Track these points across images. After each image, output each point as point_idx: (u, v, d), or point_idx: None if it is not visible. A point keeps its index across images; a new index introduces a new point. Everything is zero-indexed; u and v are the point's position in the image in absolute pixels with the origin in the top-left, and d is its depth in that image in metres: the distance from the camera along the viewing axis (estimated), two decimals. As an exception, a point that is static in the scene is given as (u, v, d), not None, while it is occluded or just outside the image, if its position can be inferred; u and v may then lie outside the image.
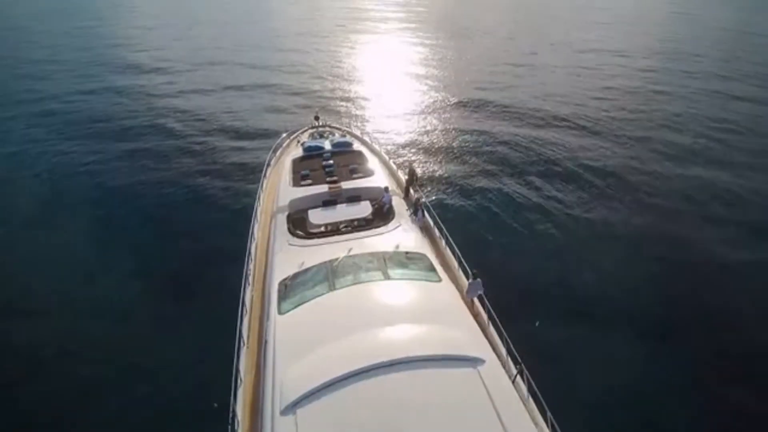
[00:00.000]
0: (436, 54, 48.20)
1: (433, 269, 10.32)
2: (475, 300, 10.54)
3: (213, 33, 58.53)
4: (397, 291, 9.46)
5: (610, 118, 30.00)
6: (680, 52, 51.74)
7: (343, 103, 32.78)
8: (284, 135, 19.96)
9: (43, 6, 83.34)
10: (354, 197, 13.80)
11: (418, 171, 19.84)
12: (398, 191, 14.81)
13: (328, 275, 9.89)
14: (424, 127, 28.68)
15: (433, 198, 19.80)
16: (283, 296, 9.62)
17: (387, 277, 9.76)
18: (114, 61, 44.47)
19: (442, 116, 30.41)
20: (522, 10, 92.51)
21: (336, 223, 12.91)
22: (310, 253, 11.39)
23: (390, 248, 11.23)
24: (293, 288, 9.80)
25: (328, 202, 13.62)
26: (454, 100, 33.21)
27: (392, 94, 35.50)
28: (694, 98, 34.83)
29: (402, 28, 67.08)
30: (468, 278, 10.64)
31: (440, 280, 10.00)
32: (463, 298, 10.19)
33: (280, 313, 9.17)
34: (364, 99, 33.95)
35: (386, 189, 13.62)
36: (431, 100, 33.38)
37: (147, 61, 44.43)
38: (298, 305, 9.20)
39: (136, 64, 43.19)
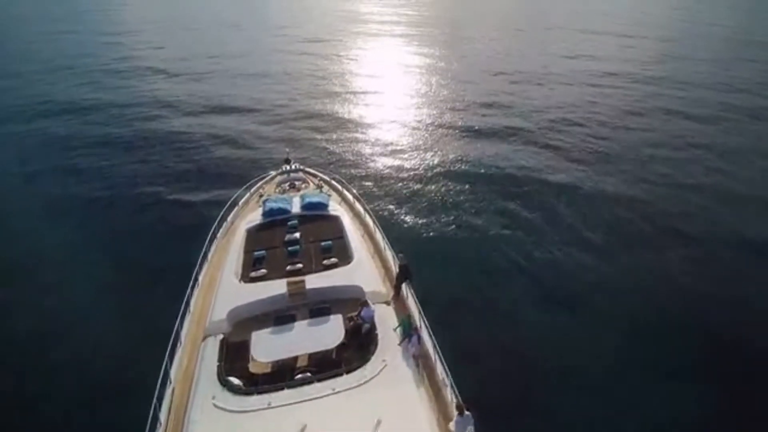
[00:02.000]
0: (431, 69, 43.62)
1: None
2: None
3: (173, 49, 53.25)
4: None
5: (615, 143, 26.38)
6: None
7: (321, 136, 26.91)
8: (245, 187, 15.71)
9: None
10: (321, 308, 9.65)
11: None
12: (384, 288, 10.64)
13: None
14: (419, 168, 23.07)
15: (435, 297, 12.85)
16: None
17: None
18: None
19: (441, 153, 24.79)
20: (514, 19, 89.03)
21: (290, 361, 8.76)
22: (245, 428, 7.35)
23: (372, 419, 7.21)
24: None
25: (284, 318, 9.44)
26: (453, 128, 28.31)
27: (380, 119, 29.98)
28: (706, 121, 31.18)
29: (395, 35, 63.11)
30: None
31: None
32: None
33: None
34: (347, 128, 28.35)
35: (365, 303, 9.49)
36: (428, 129, 28.36)
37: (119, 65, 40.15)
38: None
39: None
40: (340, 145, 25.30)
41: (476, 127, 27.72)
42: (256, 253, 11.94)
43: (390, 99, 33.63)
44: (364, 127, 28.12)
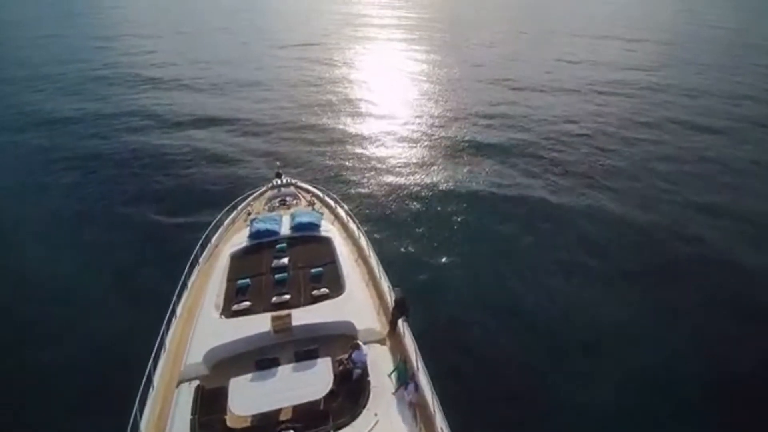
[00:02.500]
0: (430, 76, 42.28)
1: None
2: None
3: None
4: None
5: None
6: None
7: (314, 148, 25.26)
8: (232, 205, 14.74)
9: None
10: (308, 351, 8.69)
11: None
12: (378, 324, 9.69)
13: None
14: (417, 185, 21.21)
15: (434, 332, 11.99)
16: None
17: None
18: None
19: (440, 169, 22.99)
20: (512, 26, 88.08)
21: (272, 414, 7.82)
22: None
23: None
24: None
25: (266, 362, 8.48)
26: (452, 141, 26.51)
27: (377, 132, 28.10)
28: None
29: (392, 39, 62.19)
30: None
31: None
32: None
33: None
34: (342, 140, 26.64)
35: (357, 346, 8.54)
36: (425, 141, 26.57)
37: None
38: None
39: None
40: (334, 158, 24.00)
41: (477, 141, 26.30)
42: (239, 281, 11.00)
43: (387, 109, 32.18)
44: (360, 139, 26.71)
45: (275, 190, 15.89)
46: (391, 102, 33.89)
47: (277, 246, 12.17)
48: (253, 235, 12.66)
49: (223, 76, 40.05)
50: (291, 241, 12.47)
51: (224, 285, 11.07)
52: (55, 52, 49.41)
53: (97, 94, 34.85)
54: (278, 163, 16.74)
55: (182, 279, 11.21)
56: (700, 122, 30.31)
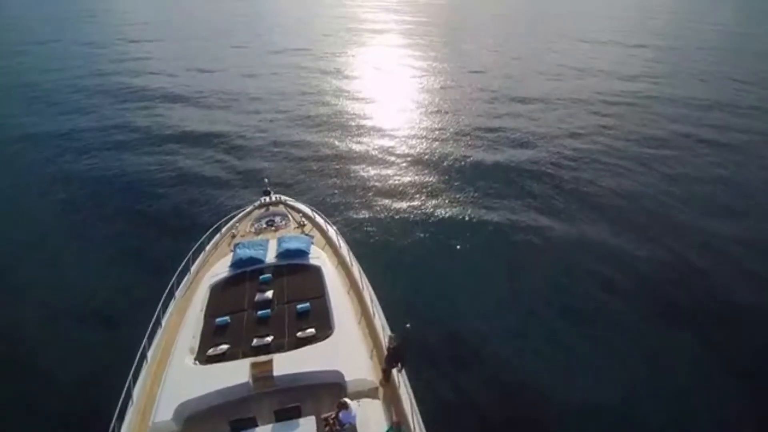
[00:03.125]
0: (428, 86, 40.90)
1: None
2: None
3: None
4: None
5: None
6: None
7: (306, 165, 23.43)
8: (215, 227, 13.71)
9: None
10: (289, 409, 7.68)
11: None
12: (370, 373, 8.68)
13: None
14: (416, 210, 19.46)
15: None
16: None
17: None
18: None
19: (439, 193, 20.94)
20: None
21: None
22: None
23: None
24: None
25: (241, 424, 7.47)
26: (451, 160, 24.40)
27: (373, 147, 26.21)
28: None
29: (390, 45, 61.20)
30: None
31: None
32: None
33: None
34: (335, 156, 24.73)
35: (345, 405, 7.54)
36: (423, 160, 24.50)
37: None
38: None
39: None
40: (326, 174, 22.46)
41: (478, 159, 24.44)
42: (218, 319, 10.00)
43: (383, 122, 30.38)
44: (354, 155, 24.97)
45: (263, 209, 14.91)
46: (387, 114, 32.38)
47: (261, 277, 11.18)
48: (235, 264, 11.67)
49: (209, 84, 38.36)
50: (276, 270, 11.48)
51: (201, 323, 10.08)
52: (23, 61, 47.35)
53: (68, 108, 32.47)
54: (266, 179, 15.68)
55: (156, 315, 10.21)
56: (715, 138, 28.21)
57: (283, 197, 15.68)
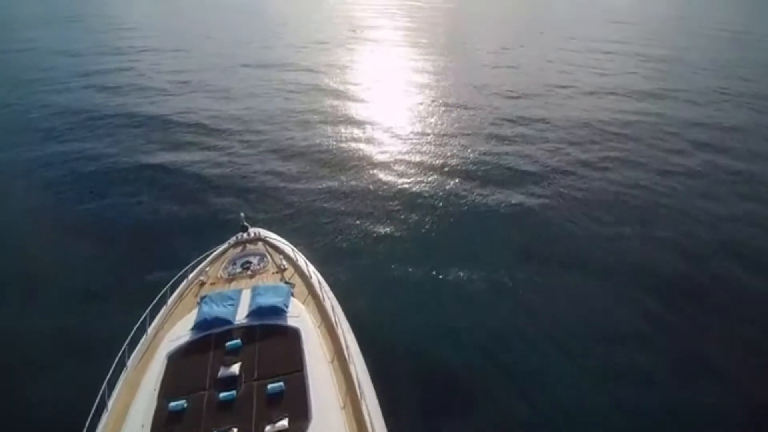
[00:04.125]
0: (427, 95, 38.76)
1: None
2: None
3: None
4: None
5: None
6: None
7: (288, 193, 20.52)
8: (181, 274, 11.86)
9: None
10: None
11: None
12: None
13: None
14: (415, 249, 16.68)
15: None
16: None
17: None
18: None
19: (439, 222, 18.43)
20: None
21: None
22: None
23: None
24: None
25: None
26: (452, 181, 21.74)
27: (368, 169, 23.11)
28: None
29: (388, 48, 59.51)
30: None
31: None
32: None
33: None
34: (322, 183, 21.55)
35: None
36: (421, 182, 21.77)
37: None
38: None
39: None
40: (312, 209, 19.39)
41: (480, 178, 22.02)
42: (172, 403, 8.18)
43: (380, 137, 27.96)
44: (345, 184, 21.67)
45: (239, 249, 13.15)
46: (383, 127, 29.77)
47: (228, 344, 9.34)
48: (199, 325, 9.84)
49: (184, 102, 33.48)
50: (247, 333, 9.65)
51: (152, 408, 8.25)
52: None
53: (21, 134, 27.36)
54: (243, 214, 13.81)
55: (100, 394, 8.41)
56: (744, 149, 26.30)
57: (263, 232, 13.91)
